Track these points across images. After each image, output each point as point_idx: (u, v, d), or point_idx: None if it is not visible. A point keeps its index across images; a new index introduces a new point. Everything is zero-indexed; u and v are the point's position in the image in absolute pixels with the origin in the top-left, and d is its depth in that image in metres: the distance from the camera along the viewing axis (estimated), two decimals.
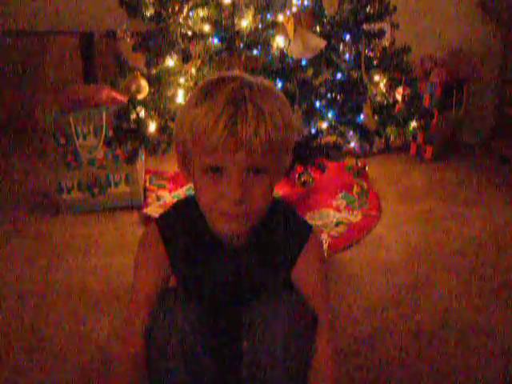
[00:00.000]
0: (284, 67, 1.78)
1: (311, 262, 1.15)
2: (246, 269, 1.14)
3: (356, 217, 2.35)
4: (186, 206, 1.15)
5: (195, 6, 1.81)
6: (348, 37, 1.90)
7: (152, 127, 1.86)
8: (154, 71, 1.86)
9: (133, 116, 1.89)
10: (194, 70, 1.83)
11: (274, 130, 0.96)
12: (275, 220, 1.13)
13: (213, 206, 1.02)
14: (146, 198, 2.51)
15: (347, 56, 1.91)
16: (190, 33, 1.82)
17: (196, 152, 0.99)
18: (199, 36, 1.80)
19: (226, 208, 1.00)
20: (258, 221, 1.07)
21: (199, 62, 1.81)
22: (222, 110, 0.94)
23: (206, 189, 1.00)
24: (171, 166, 2.75)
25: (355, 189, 2.57)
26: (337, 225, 2.28)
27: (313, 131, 1.87)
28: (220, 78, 1.01)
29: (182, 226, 1.14)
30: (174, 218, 1.15)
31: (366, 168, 2.72)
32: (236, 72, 1.07)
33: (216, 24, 1.79)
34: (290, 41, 1.77)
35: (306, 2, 1.84)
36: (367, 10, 1.90)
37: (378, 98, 1.93)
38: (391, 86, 1.95)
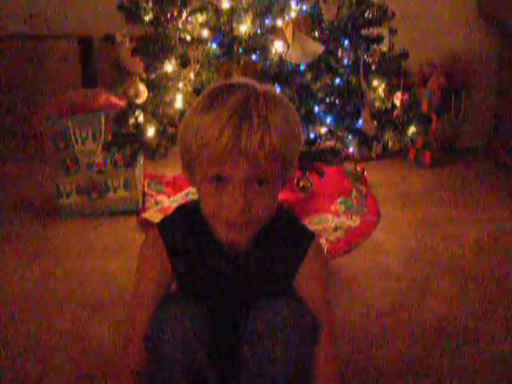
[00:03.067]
0: (282, 72, 1.79)
1: (313, 270, 1.14)
2: (247, 275, 1.13)
3: (354, 222, 2.35)
4: (188, 210, 1.15)
5: (194, 11, 1.81)
6: (346, 42, 1.90)
7: (150, 132, 1.86)
8: (152, 76, 1.86)
9: (131, 121, 1.89)
10: (192, 75, 1.83)
11: (279, 141, 0.95)
12: (277, 227, 1.13)
13: (216, 215, 1.01)
14: (144, 202, 2.51)
15: (346, 61, 1.91)
16: (188, 38, 1.82)
17: (200, 160, 0.99)
18: (198, 41, 1.80)
19: (228, 217, 0.99)
20: (261, 228, 1.07)
21: (198, 66, 1.81)
22: (227, 120, 0.93)
23: (210, 197, 1.00)
24: (170, 171, 2.75)
25: (354, 194, 2.57)
26: (335, 229, 2.27)
27: (311, 136, 1.87)
28: (226, 86, 1.00)
29: (183, 231, 1.13)
30: (176, 224, 1.15)
31: (365, 173, 2.73)
32: (243, 79, 1.06)
33: (215, 29, 1.79)
34: (288, 46, 1.77)
35: (304, 7, 1.85)
36: (366, 15, 1.90)
37: (377, 103, 1.93)
38: (390, 91, 1.96)
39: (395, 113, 1.95)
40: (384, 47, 1.96)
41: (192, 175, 1.05)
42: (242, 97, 0.96)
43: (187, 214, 1.14)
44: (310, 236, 1.17)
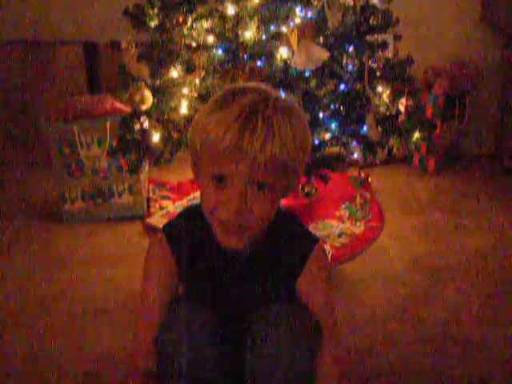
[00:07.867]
0: (287, 78, 1.79)
1: (317, 273, 1.15)
2: (250, 279, 1.14)
3: (359, 228, 2.35)
4: (192, 214, 1.15)
5: (199, 17, 1.82)
6: (351, 48, 1.90)
7: (156, 138, 1.87)
8: (157, 82, 1.87)
9: (136, 126, 1.90)
10: (197, 81, 1.84)
11: (281, 148, 0.95)
12: (280, 230, 1.13)
13: (213, 214, 1.02)
14: (149, 208, 2.52)
15: (350, 67, 1.91)
16: (194, 44, 1.83)
17: (204, 159, 1.00)
18: (203, 47, 1.81)
19: (224, 217, 1.00)
20: (259, 234, 1.07)
21: (203, 73, 1.82)
22: (232, 121, 0.94)
23: (209, 196, 1.01)
24: (175, 177, 2.75)
25: (358, 200, 2.57)
26: (340, 235, 2.28)
27: (316, 142, 1.88)
28: (239, 89, 1.01)
29: (188, 234, 1.14)
30: (181, 227, 1.16)
31: (369, 179, 2.72)
32: (258, 84, 1.07)
33: (220, 35, 1.80)
34: (293, 52, 1.78)
35: (309, 14, 1.85)
36: (370, 21, 1.91)
37: (381, 109, 1.93)
38: (394, 97, 1.96)
39: (400, 119, 1.95)
40: (388, 53, 1.96)
41: (197, 174, 1.07)
42: (250, 100, 0.97)
43: (192, 216, 1.15)
44: (313, 240, 1.17)
